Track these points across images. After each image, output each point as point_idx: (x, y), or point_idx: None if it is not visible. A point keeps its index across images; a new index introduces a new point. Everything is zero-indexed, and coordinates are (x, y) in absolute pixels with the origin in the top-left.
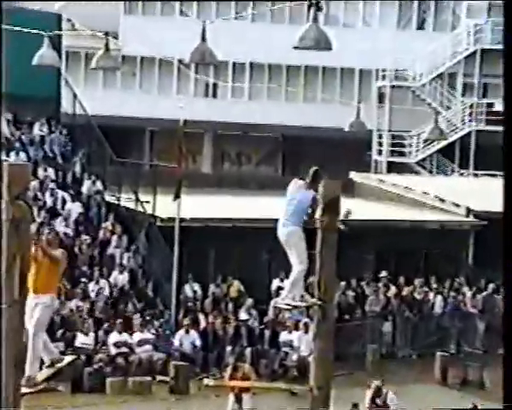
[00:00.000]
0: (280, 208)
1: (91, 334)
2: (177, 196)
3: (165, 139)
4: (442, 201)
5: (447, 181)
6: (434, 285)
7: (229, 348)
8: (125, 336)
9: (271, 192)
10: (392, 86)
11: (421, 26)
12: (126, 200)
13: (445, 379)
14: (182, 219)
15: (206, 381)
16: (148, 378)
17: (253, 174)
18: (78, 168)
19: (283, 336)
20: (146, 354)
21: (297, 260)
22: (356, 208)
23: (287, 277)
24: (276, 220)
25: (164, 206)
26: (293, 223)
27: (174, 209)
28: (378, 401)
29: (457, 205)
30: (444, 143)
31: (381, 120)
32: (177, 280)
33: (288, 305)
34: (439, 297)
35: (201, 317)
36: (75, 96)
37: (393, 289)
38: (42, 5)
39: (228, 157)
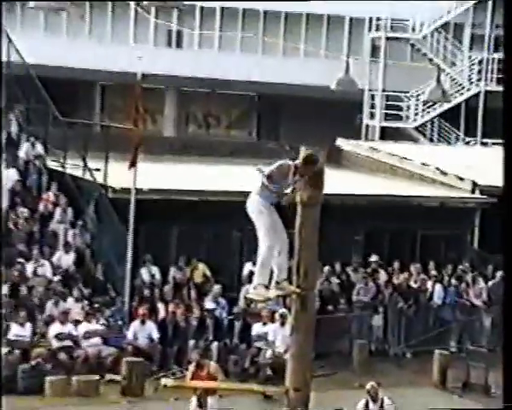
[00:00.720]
0: (255, 179)
1: (28, 324)
2: (133, 164)
3: (119, 96)
4: (444, 174)
5: (450, 151)
6: (433, 272)
7: (192, 343)
8: (68, 327)
9: (244, 160)
10: (388, 38)
11: None
12: (72, 167)
13: (443, 382)
14: (138, 191)
15: (164, 381)
16: (96, 377)
17: (223, 139)
18: (14, 128)
19: (256, 328)
20: (93, 349)
21: (261, 239)
22: (343, 181)
23: None
24: (248, 193)
25: (117, 174)
26: (256, 192)
27: (129, 179)
28: (372, 406)
29: (461, 179)
30: (447, 105)
31: (375, 78)
32: (131, 262)
33: (260, 295)
34: (439, 286)
35: (160, 305)
36: (10, 41)
37: (385, 275)
38: None
39: (194, 119)
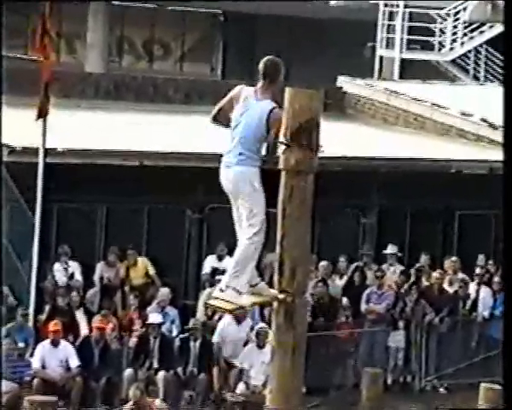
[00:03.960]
0: (221, 136)
1: None
2: (41, 112)
3: (18, 12)
4: (493, 127)
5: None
6: (478, 270)
7: (128, 372)
8: None
9: (205, 108)
10: None
11: None
12: None
13: None
14: (49, 152)
15: None
16: None
17: (173, 77)
18: None
19: (222, 351)
20: None
21: (248, 224)
22: (347, 139)
23: (229, 253)
24: (212, 156)
25: (17, 128)
26: (241, 161)
27: (36, 134)
28: None
29: None
30: (499, 28)
31: None
32: (38, 256)
33: (228, 302)
34: (486, 291)
35: (81, 318)
36: None
37: (407, 274)
38: None
39: (131, 47)
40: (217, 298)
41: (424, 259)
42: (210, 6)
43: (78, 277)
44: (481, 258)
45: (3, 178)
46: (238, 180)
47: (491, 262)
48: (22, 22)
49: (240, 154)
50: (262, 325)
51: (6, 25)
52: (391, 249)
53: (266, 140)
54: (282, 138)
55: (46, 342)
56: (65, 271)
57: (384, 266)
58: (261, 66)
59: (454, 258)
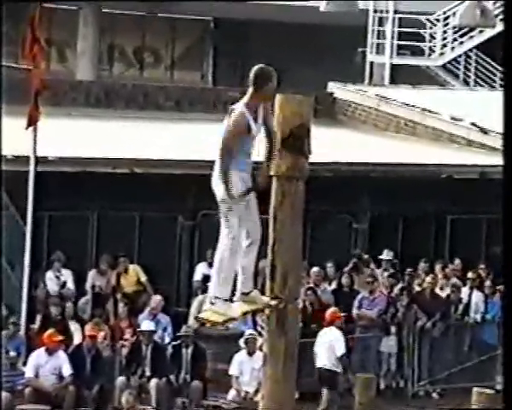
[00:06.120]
0: (212, 143)
1: None
2: (31, 121)
3: (10, 19)
4: (484, 132)
5: (493, 97)
6: (470, 274)
7: (120, 380)
8: None
9: (195, 114)
10: None
11: None
12: None
13: None
14: (40, 160)
15: None
16: None
17: (163, 84)
18: None
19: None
20: None
21: (224, 230)
22: (338, 144)
23: None
24: (203, 163)
25: (8, 136)
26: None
27: (27, 142)
28: None
29: None
30: (489, 33)
31: None
32: (30, 265)
33: (219, 314)
34: (478, 295)
35: (73, 326)
36: None
37: (400, 279)
38: None
39: (121, 54)
40: (207, 311)
41: (422, 266)
42: (200, 13)
43: (71, 285)
44: (470, 263)
45: None
46: (216, 184)
47: (482, 266)
48: (12, 30)
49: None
50: (251, 331)
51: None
52: (386, 255)
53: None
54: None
55: (41, 351)
56: (57, 279)
57: (378, 271)
58: (251, 73)
59: (446, 263)
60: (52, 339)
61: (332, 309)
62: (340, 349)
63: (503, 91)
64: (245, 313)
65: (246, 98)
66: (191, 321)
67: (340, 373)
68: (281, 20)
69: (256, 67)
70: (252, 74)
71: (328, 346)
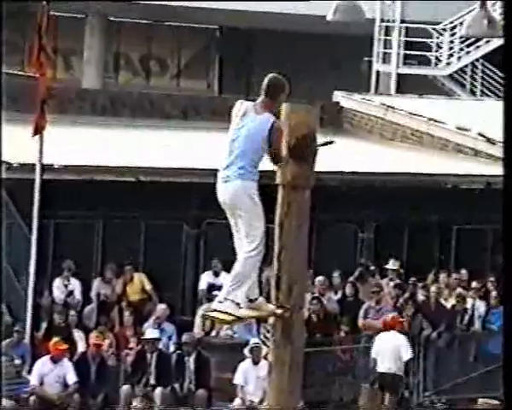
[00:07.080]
0: (218, 152)
1: None
2: (38, 129)
3: (12, 23)
4: (490, 142)
5: (500, 107)
6: (474, 284)
7: (125, 388)
8: None
9: (201, 123)
10: None
11: None
12: None
13: None
14: (47, 168)
15: None
16: None
17: (170, 93)
18: None
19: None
20: None
21: (247, 238)
22: (344, 154)
23: (226, 269)
24: (209, 171)
25: (14, 144)
26: (240, 175)
27: (33, 150)
28: None
29: None
30: (496, 43)
31: (390, 4)
32: (35, 273)
33: (227, 314)
34: (483, 305)
35: (78, 335)
36: None
37: (405, 289)
38: None
39: (128, 63)
40: (215, 310)
41: (430, 278)
42: (206, 22)
43: (78, 295)
44: (475, 273)
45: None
46: (238, 194)
47: (492, 279)
48: (19, 38)
49: (240, 168)
50: (256, 340)
51: (3, 41)
52: (392, 265)
53: (265, 153)
54: (284, 150)
55: (46, 359)
56: (65, 287)
57: (384, 281)
58: (264, 81)
59: (451, 273)
60: (57, 347)
61: (393, 314)
62: (407, 353)
63: (503, 100)
64: (250, 318)
65: (261, 104)
66: (196, 329)
67: (404, 377)
68: (287, 29)
69: (271, 76)
70: (266, 83)
71: (393, 350)
